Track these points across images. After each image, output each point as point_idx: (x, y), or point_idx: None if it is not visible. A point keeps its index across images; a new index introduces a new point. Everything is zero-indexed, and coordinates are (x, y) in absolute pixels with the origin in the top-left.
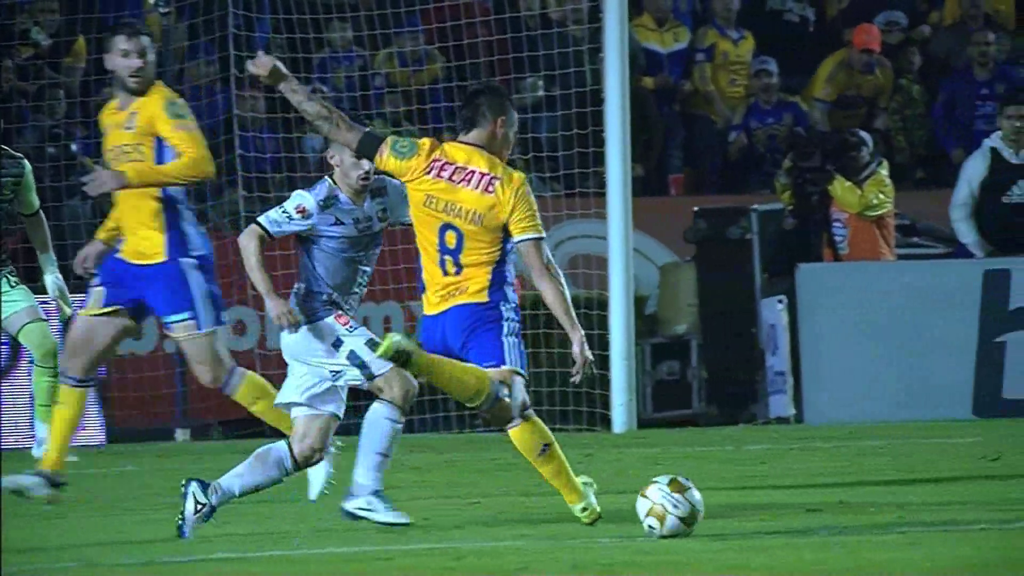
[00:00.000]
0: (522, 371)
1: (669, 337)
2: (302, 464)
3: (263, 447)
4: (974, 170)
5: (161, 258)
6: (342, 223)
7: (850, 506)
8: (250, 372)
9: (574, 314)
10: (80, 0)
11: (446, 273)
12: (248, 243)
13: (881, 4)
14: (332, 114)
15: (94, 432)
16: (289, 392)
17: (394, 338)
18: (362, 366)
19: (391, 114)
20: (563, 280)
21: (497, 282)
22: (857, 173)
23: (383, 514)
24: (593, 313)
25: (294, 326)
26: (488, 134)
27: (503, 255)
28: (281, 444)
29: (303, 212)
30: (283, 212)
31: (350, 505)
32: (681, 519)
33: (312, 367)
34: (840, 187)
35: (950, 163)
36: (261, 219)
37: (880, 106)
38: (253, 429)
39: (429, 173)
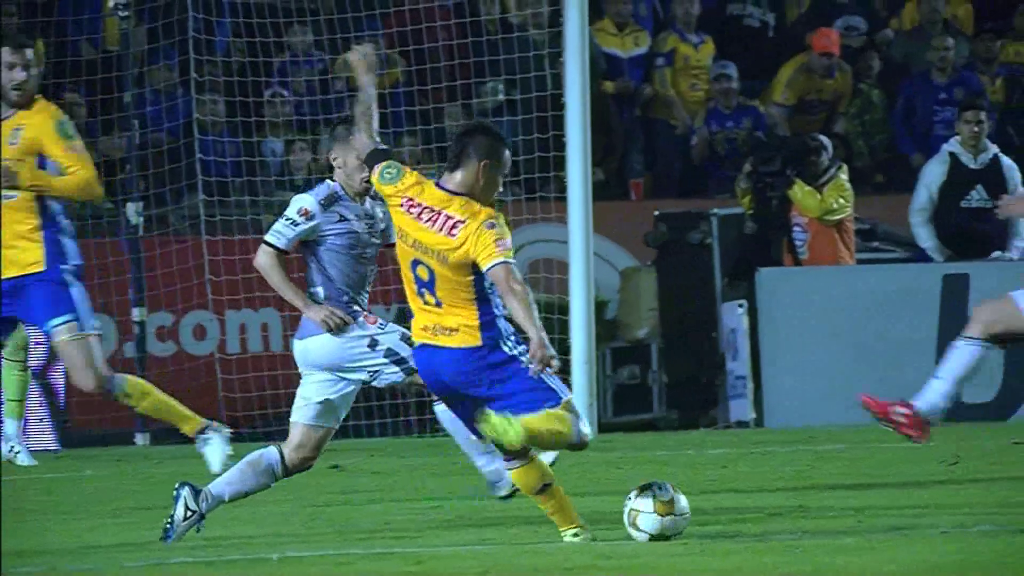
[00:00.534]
0: (567, 393)
1: (630, 341)
2: (293, 471)
3: (254, 453)
4: (933, 175)
5: (40, 267)
6: (346, 219)
7: (809, 510)
8: (129, 376)
9: (538, 320)
10: (39, 3)
11: (426, 303)
12: (264, 264)
13: (841, 9)
14: (370, 116)
15: (47, 439)
16: (306, 410)
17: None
18: (400, 362)
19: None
20: (530, 297)
21: (487, 321)
22: (817, 178)
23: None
24: (554, 317)
25: (342, 326)
26: (472, 176)
27: (484, 292)
28: (272, 451)
29: (306, 214)
30: (286, 220)
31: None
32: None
33: (324, 381)
34: (800, 191)
35: (909, 168)
36: (267, 237)
37: (840, 111)
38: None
39: (401, 207)
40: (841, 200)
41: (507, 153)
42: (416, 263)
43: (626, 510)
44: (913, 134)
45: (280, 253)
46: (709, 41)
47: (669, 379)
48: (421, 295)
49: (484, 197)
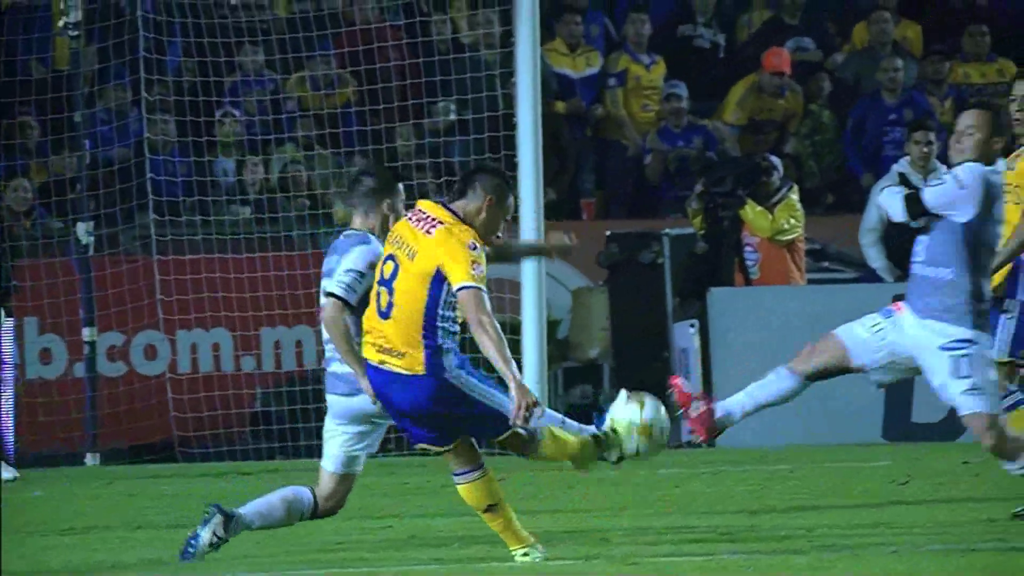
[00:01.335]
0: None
1: (581, 361)
2: (321, 517)
3: (290, 490)
4: (884, 194)
5: None
6: None
7: (761, 529)
8: None
9: (512, 363)
10: None
11: (379, 310)
12: (335, 320)
13: (791, 30)
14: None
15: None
16: (338, 460)
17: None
18: None
19: (303, 138)
20: (499, 331)
21: (431, 352)
22: (768, 198)
23: None
24: (506, 337)
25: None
26: (475, 208)
27: (432, 320)
28: (307, 494)
29: (373, 266)
30: (354, 273)
31: None
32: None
33: (359, 432)
34: (751, 212)
35: (859, 188)
36: (335, 290)
37: (790, 131)
38: (164, 454)
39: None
40: (792, 220)
41: (512, 199)
42: (388, 258)
43: (607, 417)
44: (863, 154)
45: (347, 307)
46: (660, 62)
47: None
48: (378, 296)
49: (482, 231)
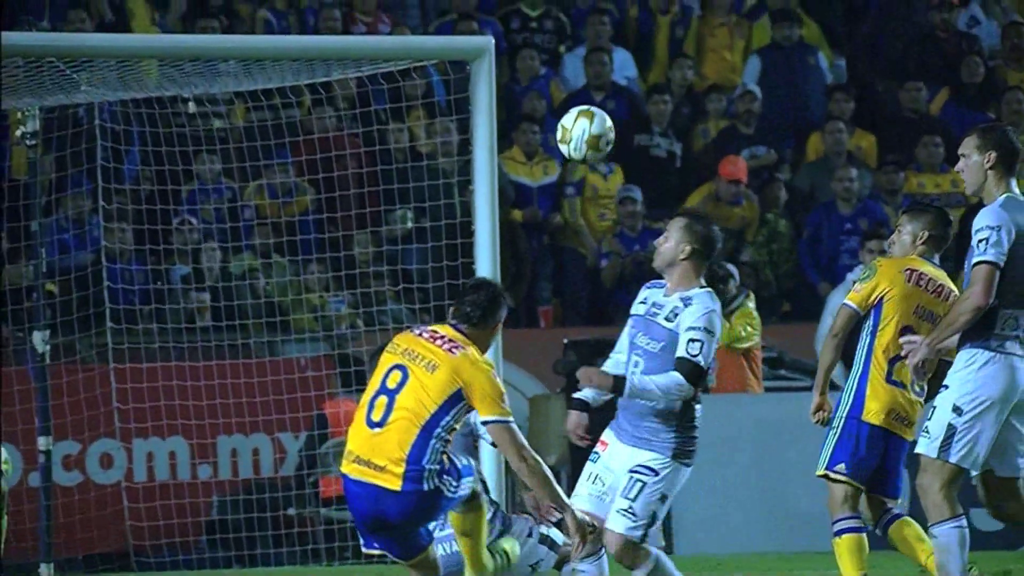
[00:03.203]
0: None
1: None
2: None
3: None
4: (838, 304)
5: None
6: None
7: None
8: None
9: (560, 491)
10: None
11: (369, 420)
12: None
13: (747, 140)
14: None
15: None
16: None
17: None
18: (552, 545)
19: (260, 246)
20: (541, 465)
21: (412, 471)
22: (725, 305)
23: None
24: None
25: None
26: (486, 336)
27: (427, 439)
28: None
29: None
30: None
31: None
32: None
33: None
34: None
35: (816, 296)
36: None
37: (747, 239)
38: (119, 563)
39: (405, 331)
40: (749, 328)
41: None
42: (393, 368)
43: (559, 127)
44: (819, 263)
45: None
46: (618, 171)
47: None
48: (371, 407)
49: (484, 347)
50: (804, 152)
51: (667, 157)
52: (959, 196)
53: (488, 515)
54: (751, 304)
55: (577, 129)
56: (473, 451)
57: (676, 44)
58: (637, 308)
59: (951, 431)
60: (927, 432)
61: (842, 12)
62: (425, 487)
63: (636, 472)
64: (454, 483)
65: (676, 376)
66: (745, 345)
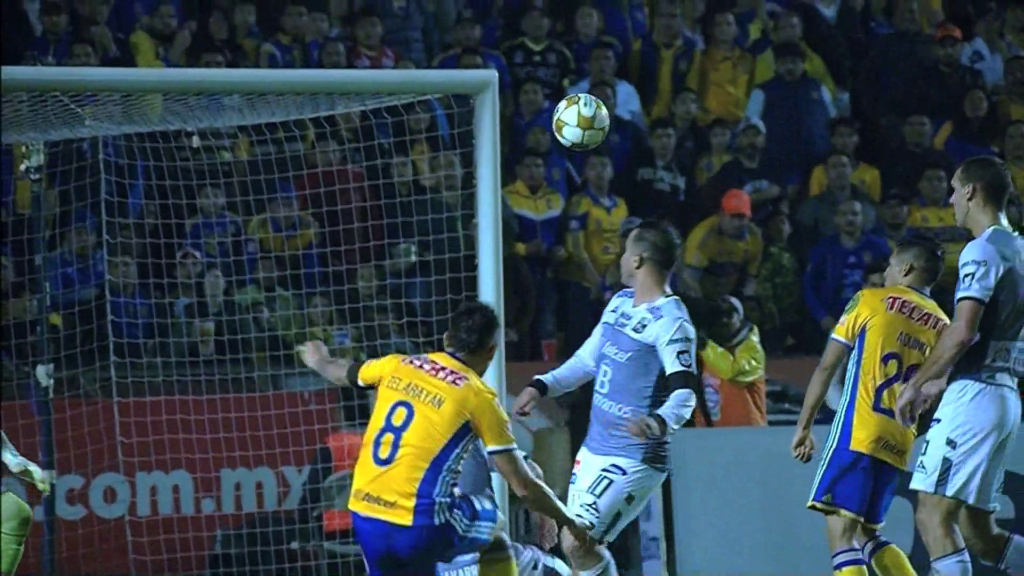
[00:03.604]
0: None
1: None
2: None
3: None
4: None
5: None
6: None
7: None
8: None
9: (562, 507)
10: None
11: (376, 457)
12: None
13: (750, 173)
14: (336, 361)
15: None
16: None
17: None
18: None
19: (264, 280)
20: (542, 490)
21: (423, 505)
22: (729, 339)
23: None
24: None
25: None
26: (483, 360)
27: (437, 471)
28: None
29: None
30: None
31: None
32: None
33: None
34: (712, 353)
35: (819, 330)
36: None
37: (751, 273)
38: None
39: (403, 362)
40: (753, 362)
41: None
42: (398, 405)
43: (553, 120)
44: (823, 297)
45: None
46: (621, 204)
47: None
48: (377, 445)
49: (481, 369)
50: (808, 186)
51: (671, 191)
52: (963, 230)
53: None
54: (755, 338)
55: (568, 115)
56: (488, 481)
57: (679, 78)
58: (607, 316)
59: (947, 465)
60: (923, 467)
61: (846, 46)
62: (436, 521)
63: (606, 471)
64: (466, 521)
65: (682, 392)
66: (749, 379)
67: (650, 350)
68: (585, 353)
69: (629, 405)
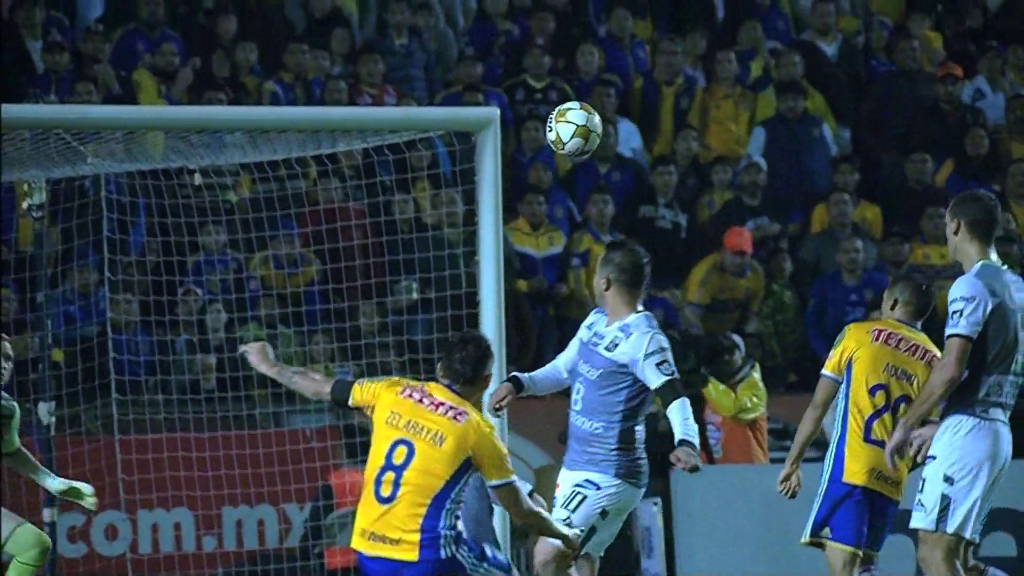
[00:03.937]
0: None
1: None
2: None
3: None
4: None
5: None
6: None
7: None
8: None
9: (557, 526)
10: None
11: (378, 496)
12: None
13: (752, 211)
14: (308, 373)
15: None
16: None
17: None
18: None
19: (266, 317)
20: (540, 515)
21: (428, 539)
22: (730, 376)
23: None
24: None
25: None
26: (479, 390)
27: (439, 506)
28: None
29: None
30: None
31: None
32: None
33: None
34: (714, 390)
35: (821, 367)
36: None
37: (752, 310)
38: None
39: (400, 393)
40: (754, 399)
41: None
42: (397, 443)
43: (552, 117)
44: (824, 334)
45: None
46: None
47: None
48: (378, 483)
49: (476, 401)
50: (809, 223)
51: (672, 228)
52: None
53: None
54: (756, 375)
55: (564, 130)
56: (490, 511)
57: (681, 116)
58: (583, 332)
59: (946, 501)
60: (921, 505)
61: (847, 84)
62: (442, 554)
63: (579, 486)
64: (474, 559)
65: (677, 402)
66: (751, 416)
67: (622, 368)
68: (561, 363)
69: (601, 421)
